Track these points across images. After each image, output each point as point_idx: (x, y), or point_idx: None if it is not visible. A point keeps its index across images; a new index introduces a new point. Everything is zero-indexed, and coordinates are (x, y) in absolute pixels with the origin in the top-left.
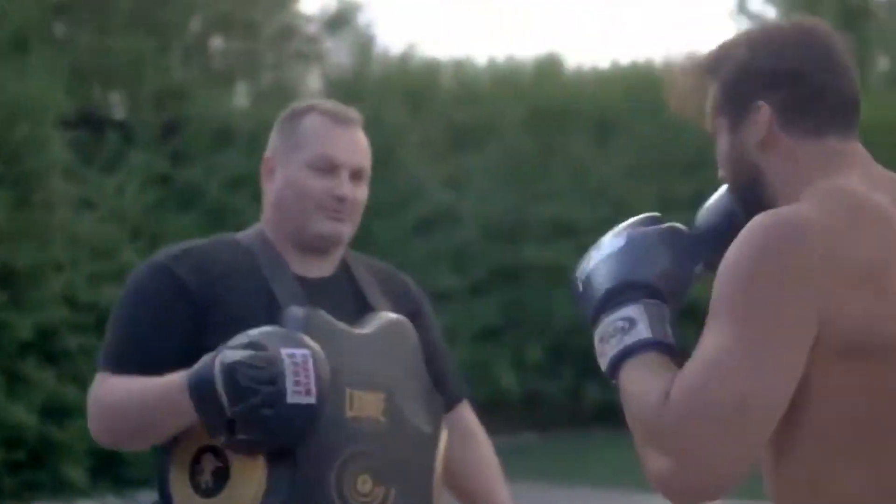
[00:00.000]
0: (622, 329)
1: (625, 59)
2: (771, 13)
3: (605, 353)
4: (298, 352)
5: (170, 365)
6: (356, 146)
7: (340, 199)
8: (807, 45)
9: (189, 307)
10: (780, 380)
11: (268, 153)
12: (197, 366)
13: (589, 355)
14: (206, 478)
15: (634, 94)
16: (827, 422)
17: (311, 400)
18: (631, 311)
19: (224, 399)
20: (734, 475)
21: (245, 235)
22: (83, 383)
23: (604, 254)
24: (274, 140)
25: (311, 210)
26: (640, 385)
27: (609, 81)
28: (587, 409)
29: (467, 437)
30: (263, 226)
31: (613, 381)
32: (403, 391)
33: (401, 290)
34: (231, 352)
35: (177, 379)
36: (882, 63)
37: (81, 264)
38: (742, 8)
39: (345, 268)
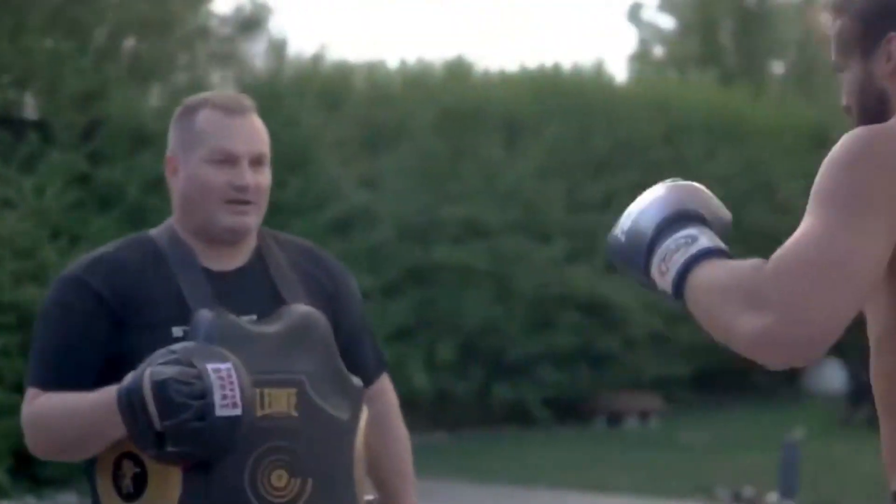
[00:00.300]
0: (686, 243)
1: (532, 63)
2: (664, 21)
3: (668, 270)
4: (223, 366)
5: (94, 377)
6: (253, 134)
7: (243, 189)
8: None
9: (106, 318)
10: (874, 244)
11: (169, 152)
12: (126, 382)
13: (499, 355)
14: (127, 482)
15: (542, 97)
16: None
17: (238, 412)
18: (690, 230)
19: (154, 414)
20: (833, 329)
21: (157, 232)
22: (4, 383)
23: (646, 201)
24: (172, 138)
25: (215, 204)
26: (726, 269)
27: (517, 84)
28: (496, 409)
29: (382, 421)
30: (173, 222)
31: (677, 298)
32: (315, 383)
33: (321, 271)
34: (160, 368)
35: (106, 395)
36: (777, 67)
37: (3, 263)
38: (634, 15)
39: (258, 256)
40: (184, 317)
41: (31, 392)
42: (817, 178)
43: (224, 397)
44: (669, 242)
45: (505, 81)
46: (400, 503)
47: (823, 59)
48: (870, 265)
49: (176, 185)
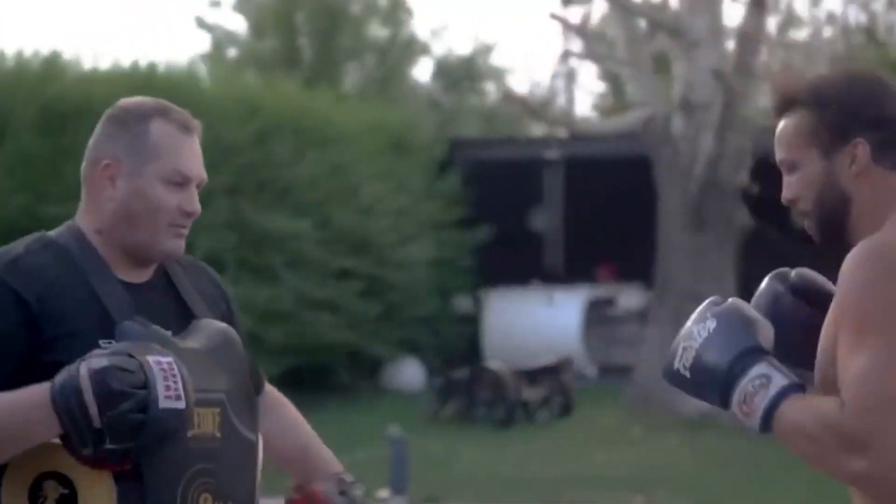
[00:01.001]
0: (763, 385)
1: (126, 61)
2: (236, 23)
3: (753, 411)
4: (164, 359)
5: (5, 385)
6: (200, 157)
7: (191, 214)
8: (893, 95)
9: (27, 321)
10: None
11: (107, 158)
12: (59, 377)
13: None
14: None
15: (139, 94)
16: None
17: (182, 405)
18: (761, 368)
19: (92, 407)
20: None
21: (61, 236)
22: None
23: (702, 338)
24: (113, 144)
25: (162, 226)
26: (809, 412)
27: (114, 83)
28: None
29: (277, 406)
30: (83, 227)
31: (769, 432)
32: (233, 402)
33: (212, 288)
34: (97, 359)
35: (30, 393)
36: (354, 70)
37: None
38: (202, 23)
39: (162, 271)
40: (107, 328)
41: None
42: (853, 299)
43: (167, 388)
44: (745, 384)
45: (102, 79)
46: (328, 461)
47: (400, 65)
48: None
49: (111, 193)
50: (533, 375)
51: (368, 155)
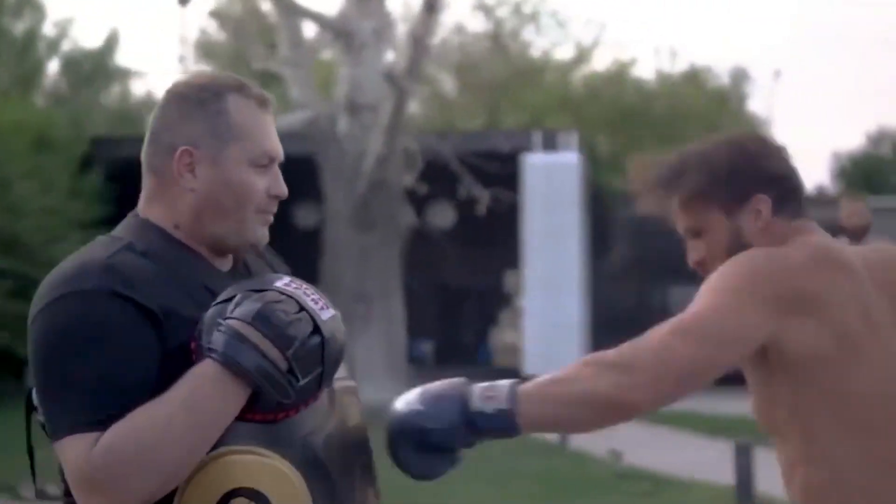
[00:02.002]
0: (492, 386)
1: None
2: None
3: (497, 394)
4: (286, 279)
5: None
6: (276, 134)
7: (278, 198)
8: (781, 153)
9: (152, 330)
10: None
11: (185, 143)
12: (215, 344)
13: None
14: None
15: None
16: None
17: (333, 311)
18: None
19: (272, 350)
20: None
21: (132, 233)
22: None
23: (423, 397)
24: (191, 125)
25: (250, 213)
26: (550, 375)
27: None
28: None
29: None
30: (156, 222)
31: (510, 405)
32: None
33: (278, 266)
34: (242, 307)
35: (196, 375)
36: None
37: None
38: None
39: (242, 262)
40: None
41: (80, 439)
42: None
43: (315, 301)
44: (479, 388)
45: None
46: None
47: (39, 62)
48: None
49: (191, 183)
50: None
51: (13, 154)
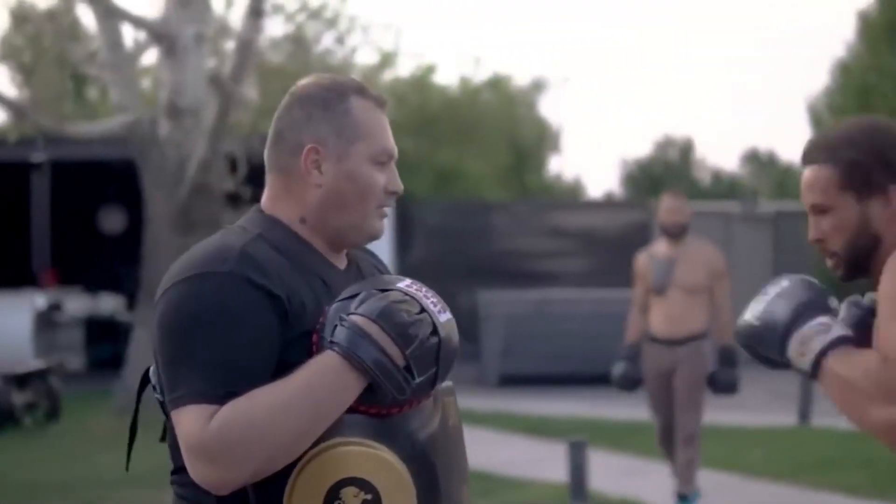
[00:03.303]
0: (821, 331)
1: None
2: None
3: (807, 353)
4: (407, 281)
5: (266, 383)
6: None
7: (396, 194)
8: None
9: (278, 317)
10: None
11: (312, 141)
12: (338, 338)
13: None
14: None
15: None
16: None
17: (449, 314)
18: (823, 319)
19: (392, 347)
20: None
21: (259, 227)
22: None
23: (772, 294)
24: (318, 124)
25: (372, 208)
26: (854, 361)
27: None
28: None
29: None
30: (281, 217)
31: (813, 377)
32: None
33: (384, 270)
34: (368, 304)
35: (315, 370)
36: None
37: None
38: None
39: (351, 259)
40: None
41: (198, 410)
42: (887, 281)
43: (434, 304)
44: (806, 329)
45: None
46: None
47: None
48: None
49: (318, 181)
50: (22, 380)
51: None
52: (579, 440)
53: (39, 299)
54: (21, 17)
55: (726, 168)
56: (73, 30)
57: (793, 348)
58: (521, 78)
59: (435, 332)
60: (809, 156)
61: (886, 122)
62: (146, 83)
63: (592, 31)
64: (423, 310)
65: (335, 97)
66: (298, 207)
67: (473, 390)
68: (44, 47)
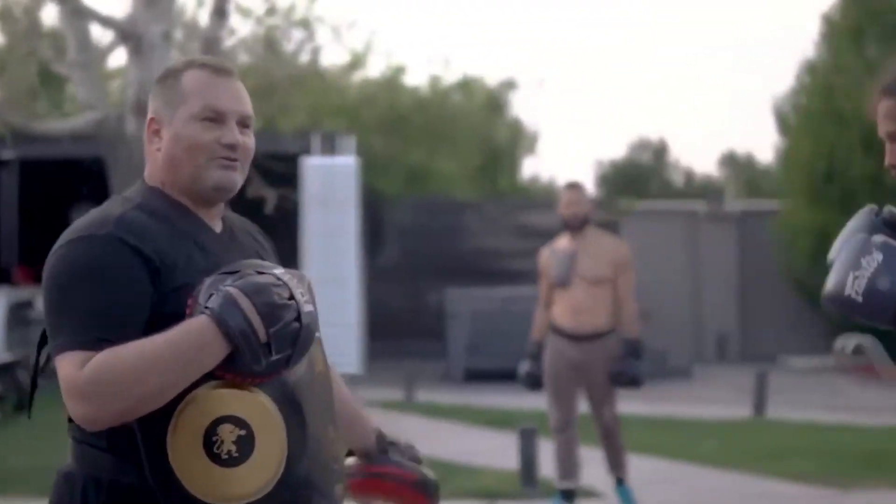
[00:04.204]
0: None
1: None
2: None
3: None
4: (281, 270)
5: (140, 336)
6: (240, 95)
7: (231, 146)
8: None
9: (149, 275)
10: None
11: (151, 114)
12: (213, 303)
13: None
14: (228, 447)
15: None
16: None
17: (313, 307)
18: None
19: (257, 323)
20: None
21: (136, 195)
22: None
23: (873, 268)
24: (155, 101)
25: (203, 161)
26: None
27: None
28: None
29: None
30: (156, 186)
31: None
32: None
33: (263, 240)
34: (247, 280)
35: (191, 325)
36: None
37: None
38: None
39: (228, 223)
40: (217, 270)
41: (75, 355)
42: None
43: (302, 294)
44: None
45: None
46: (366, 418)
47: None
48: None
49: (159, 146)
50: None
51: None
52: (529, 428)
53: (11, 294)
54: None
55: (703, 170)
56: (36, 27)
57: None
58: (492, 79)
59: (298, 318)
60: (889, 88)
61: None
62: (117, 83)
63: (567, 33)
64: (292, 297)
65: (171, 74)
66: (156, 172)
67: (440, 385)
68: (12, 46)
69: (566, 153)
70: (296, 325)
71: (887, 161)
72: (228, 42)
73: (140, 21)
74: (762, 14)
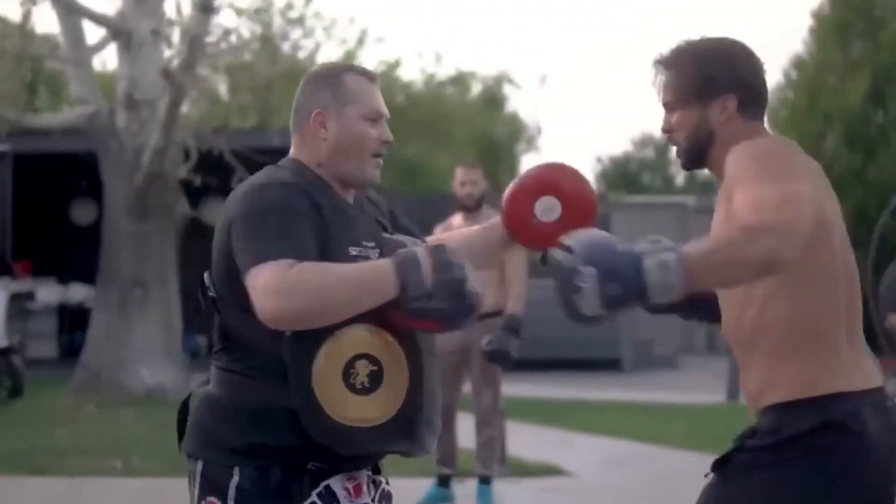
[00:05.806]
0: (660, 249)
1: None
2: None
3: (666, 260)
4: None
5: None
6: (383, 100)
7: (387, 144)
8: (757, 61)
9: (321, 217)
10: (806, 189)
11: (318, 107)
12: (399, 254)
13: None
14: (362, 379)
15: None
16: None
17: (478, 297)
18: (646, 251)
19: (428, 271)
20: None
21: (296, 170)
22: None
23: (589, 284)
24: (321, 95)
25: (367, 156)
26: (711, 238)
27: None
28: None
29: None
30: (308, 166)
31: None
32: None
33: (386, 211)
34: (433, 248)
35: (373, 264)
36: None
37: None
38: None
39: (358, 199)
40: (357, 240)
41: (279, 263)
42: (742, 166)
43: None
44: (646, 247)
45: None
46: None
47: None
48: (808, 199)
49: (324, 134)
50: None
51: None
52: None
53: (12, 286)
54: None
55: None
56: (28, 30)
57: (652, 266)
58: (486, 73)
59: (464, 281)
60: (666, 61)
61: (733, 41)
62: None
63: (571, 30)
64: (465, 267)
65: (332, 74)
66: (314, 156)
67: None
68: (3, 47)
69: (568, 149)
70: (460, 283)
71: (661, 127)
72: (223, 44)
73: (130, 18)
74: (757, 11)
